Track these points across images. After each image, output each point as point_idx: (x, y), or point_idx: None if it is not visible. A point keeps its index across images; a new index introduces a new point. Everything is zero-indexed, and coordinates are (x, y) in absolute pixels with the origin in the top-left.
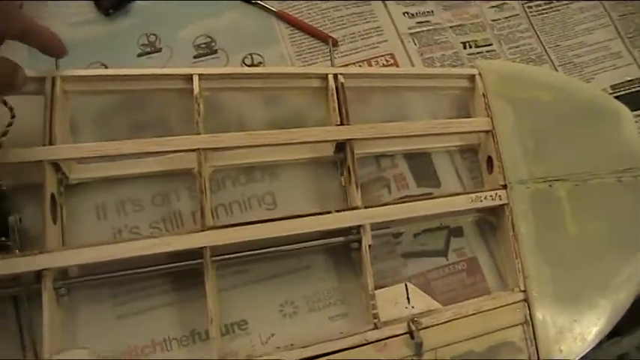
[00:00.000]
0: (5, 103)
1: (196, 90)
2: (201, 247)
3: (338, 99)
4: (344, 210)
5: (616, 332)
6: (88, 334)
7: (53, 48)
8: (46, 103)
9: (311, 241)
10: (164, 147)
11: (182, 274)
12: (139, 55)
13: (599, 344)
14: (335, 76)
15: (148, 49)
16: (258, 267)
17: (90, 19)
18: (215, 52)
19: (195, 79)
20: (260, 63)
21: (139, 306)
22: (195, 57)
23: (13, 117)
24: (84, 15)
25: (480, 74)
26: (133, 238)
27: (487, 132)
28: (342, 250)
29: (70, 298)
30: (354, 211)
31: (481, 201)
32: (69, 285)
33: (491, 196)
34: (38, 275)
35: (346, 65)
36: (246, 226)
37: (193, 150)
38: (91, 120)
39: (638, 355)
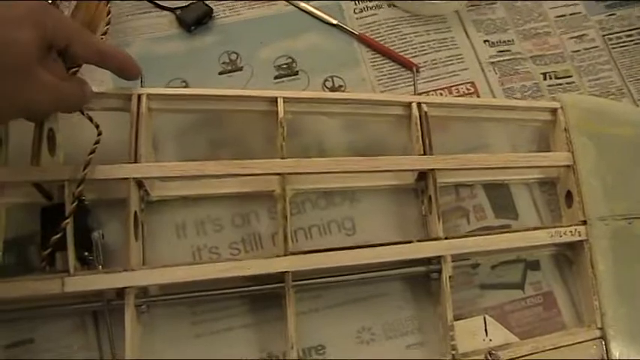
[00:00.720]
0: (91, 119)
1: (281, 114)
2: (283, 272)
3: (421, 128)
4: (425, 240)
5: None
6: (166, 352)
7: (128, 71)
8: (132, 121)
9: (390, 269)
10: (247, 169)
11: (260, 296)
12: (220, 74)
13: None
14: (419, 104)
15: (229, 68)
16: (336, 292)
17: (172, 35)
18: (296, 73)
19: (280, 102)
20: (341, 86)
21: (217, 326)
22: (275, 77)
23: (99, 134)
24: (166, 30)
25: (562, 108)
26: (213, 260)
27: (567, 167)
28: (420, 279)
29: (150, 315)
30: (436, 241)
31: (560, 236)
32: (149, 302)
33: (570, 231)
34: (120, 292)
35: (427, 92)
36: (327, 253)
37: (277, 174)
38: (171, 137)
39: None
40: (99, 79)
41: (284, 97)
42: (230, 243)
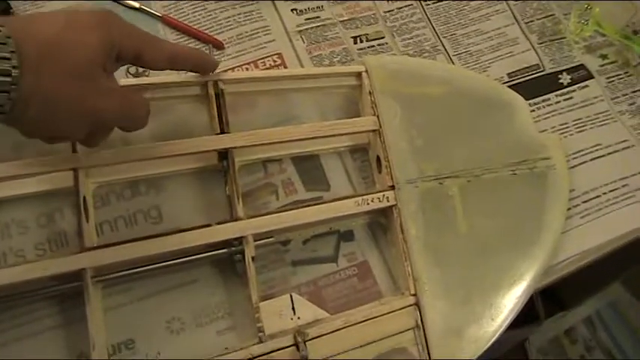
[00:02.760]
0: None
1: None
2: (81, 269)
3: (218, 106)
4: (226, 222)
5: (561, 307)
6: None
7: (205, 65)
8: None
9: (196, 255)
10: (41, 168)
11: (67, 295)
12: None
13: (539, 321)
14: (215, 82)
15: None
16: (145, 283)
17: None
18: None
19: None
20: (145, 72)
21: (25, 331)
22: None
23: None
24: None
25: (366, 71)
26: (14, 263)
27: (374, 131)
28: (227, 263)
29: None
30: (236, 222)
31: (368, 204)
32: None
33: (378, 198)
34: None
35: (233, 68)
36: (127, 244)
37: (71, 169)
38: None
39: (585, 329)
40: None
41: None
42: (36, 244)
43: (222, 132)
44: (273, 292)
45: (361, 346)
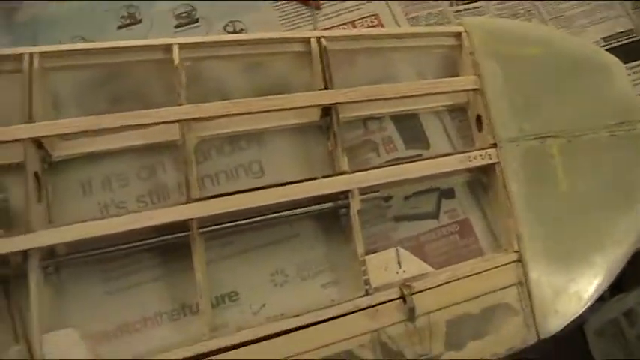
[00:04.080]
0: None
1: (176, 60)
2: (188, 220)
3: (322, 63)
4: (331, 176)
5: (620, 288)
6: (77, 312)
7: None
8: (25, 81)
9: (299, 207)
10: (145, 119)
11: (170, 247)
12: (119, 28)
13: (602, 301)
14: (318, 39)
15: (128, 21)
16: (248, 237)
17: None
18: (196, 21)
19: (175, 49)
20: (242, 30)
21: (128, 281)
22: (176, 27)
23: None
24: None
25: (466, 32)
26: (117, 214)
27: (475, 90)
28: (331, 217)
29: (59, 276)
30: (342, 176)
31: (470, 161)
32: (56, 263)
33: (481, 155)
34: (25, 255)
35: (330, 28)
36: (232, 196)
37: (176, 121)
38: (73, 96)
39: None
40: None
41: (179, 44)
42: (137, 196)
43: (327, 88)
44: (374, 247)
45: (465, 301)
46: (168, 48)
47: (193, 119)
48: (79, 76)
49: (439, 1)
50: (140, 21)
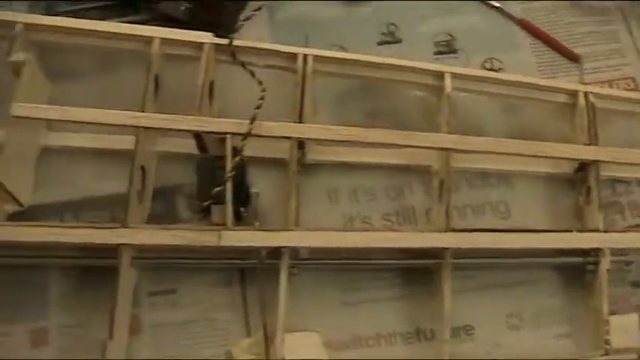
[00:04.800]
0: (253, 75)
1: (448, 89)
2: (443, 248)
3: (588, 118)
4: (585, 231)
5: None
6: (313, 317)
7: None
8: (298, 81)
9: (544, 256)
10: (412, 141)
11: (410, 269)
12: (379, 44)
13: None
14: (586, 94)
15: (388, 39)
16: (488, 274)
17: (330, 1)
18: (455, 51)
19: (448, 77)
20: (500, 69)
21: (366, 296)
22: (434, 53)
23: (263, 90)
24: None
25: None
26: (367, 228)
27: None
28: (574, 270)
29: (300, 279)
30: (596, 233)
31: None
32: (300, 265)
33: None
34: (273, 251)
35: (587, 84)
36: (487, 233)
37: (440, 149)
38: (330, 102)
39: None
40: (257, 36)
41: (452, 73)
42: (383, 214)
43: (590, 144)
44: (614, 308)
45: None
46: (439, 75)
47: (457, 150)
48: (339, 84)
49: None
50: (400, 41)
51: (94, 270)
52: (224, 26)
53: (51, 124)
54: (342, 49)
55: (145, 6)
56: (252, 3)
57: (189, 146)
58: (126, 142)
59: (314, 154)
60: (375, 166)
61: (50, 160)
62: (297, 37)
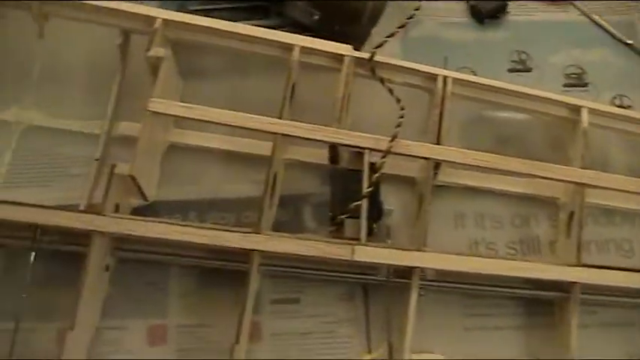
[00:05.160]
0: (391, 92)
1: (585, 124)
2: (572, 282)
3: None
4: None
5: None
6: (434, 338)
7: None
8: (436, 102)
9: None
10: (548, 173)
11: (534, 300)
12: (510, 71)
13: None
14: None
15: (519, 67)
16: (610, 310)
17: (462, 23)
18: (585, 85)
19: (585, 112)
20: (629, 106)
21: (489, 322)
22: (564, 85)
23: (402, 109)
24: (457, 17)
25: None
26: (493, 255)
27: None
28: None
29: (423, 299)
30: None
31: None
32: (427, 287)
33: None
34: (402, 270)
35: None
36: (617, 271)
37: (575, 183)
38: (459, 126)
39: None
40: (389, 52)
41: (589, 108)
42: (507, 242)
43: None
44: None
45: None
46: (575, 109)
47: (591, 185)
48: (469, 107)
49: None
50: (530, 69)
51: (214, 271)
52: (355, 39)
53: (179, 121)
54: (472, 72)
55: (276, 11)
56: (385, 18)
57: (318, 156)
58: (255, 146)
59: (444, 176)
60: (503, 193)
61: (176, 158)
62: (427, 57)
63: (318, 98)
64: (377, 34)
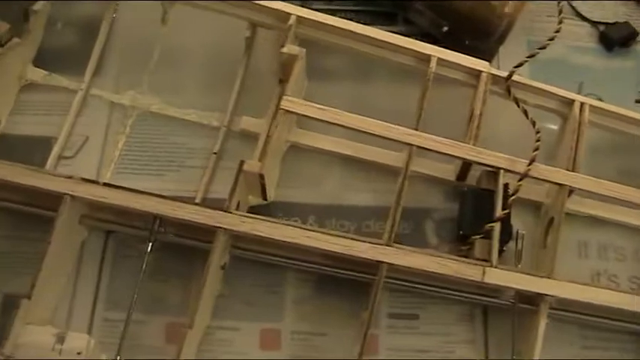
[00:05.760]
0: (527, 114)
1: None
2: None
3: None
4: None
5: None
6: None
7: None
8: (573, 128)
9: None
10: None
11: None
12: (638, 102)
13: None
14: None
15: None
16: None
17: (590, 48)
18: None
19: None
20: None
21: (604, 355)
22: None
23: (538, 132)
24: (585, 42)
25: None
26: (614, 288)
27: None
28: None
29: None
30: None
31: None
32: (552, 314)
33: None
34: (528, 296)
35: None
36: None
37: None
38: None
39: None
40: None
41: None
42: (630, 276)
43: None
44: None
45: None
46: None
47: None
48: (594, 135)
49: None
50: None
51: (332, 278)
52: (484, 55)
53: (300, 121)
54: (599, 99)
55: (403, 19)
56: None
57: (444, 171)
58: (378, 154)
59: (570, 204)
60: (627, 225)
61: (295, 158)
62: (554, 79)
63: (439, 112)
64: (502, 51)
